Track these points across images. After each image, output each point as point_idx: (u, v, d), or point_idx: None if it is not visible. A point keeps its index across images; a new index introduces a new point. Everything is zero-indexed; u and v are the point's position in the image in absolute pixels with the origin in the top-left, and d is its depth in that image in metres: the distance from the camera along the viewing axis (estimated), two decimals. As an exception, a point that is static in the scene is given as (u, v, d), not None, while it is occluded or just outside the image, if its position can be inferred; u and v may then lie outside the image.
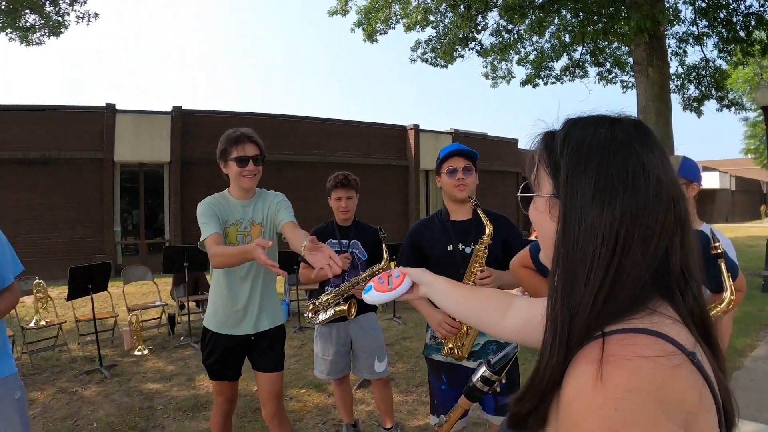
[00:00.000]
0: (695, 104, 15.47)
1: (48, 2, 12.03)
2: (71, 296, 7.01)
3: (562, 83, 15.91)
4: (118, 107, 18.46)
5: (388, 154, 23.35)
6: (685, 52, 14.80)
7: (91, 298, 7.03)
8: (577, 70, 15.73)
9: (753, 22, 13.23)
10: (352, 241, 4.20)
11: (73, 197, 17.69)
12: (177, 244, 17.58)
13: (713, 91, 15.37)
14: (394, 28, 14.04)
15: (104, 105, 18.25)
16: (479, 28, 14.26)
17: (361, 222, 4.37)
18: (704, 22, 13.96)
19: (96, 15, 12.71)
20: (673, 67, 14.56)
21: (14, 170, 16.28)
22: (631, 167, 0.90)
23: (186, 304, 8.64)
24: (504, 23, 14.26)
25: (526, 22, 13.73)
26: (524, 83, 15.71)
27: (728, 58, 14.97)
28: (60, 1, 12.25)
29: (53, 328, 7.57)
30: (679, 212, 0.91)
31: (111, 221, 18.29)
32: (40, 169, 17.27)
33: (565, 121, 1.02)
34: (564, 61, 15.54)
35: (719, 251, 2.31)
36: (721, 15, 13.36)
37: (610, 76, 15.95)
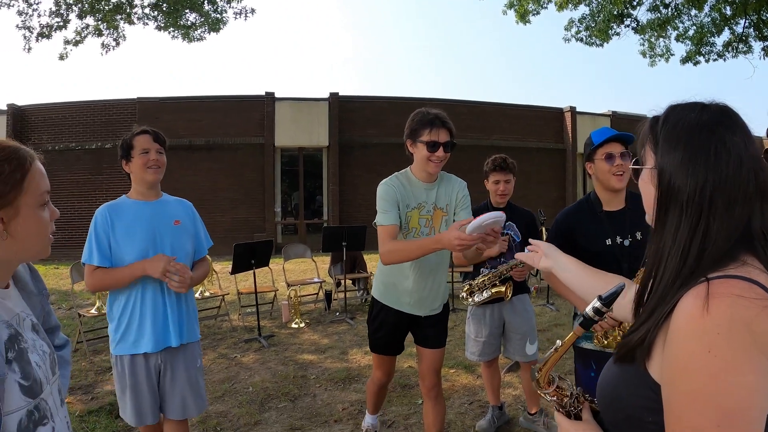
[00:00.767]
0: None
1: (206, 1, 12.68)
2: (235, 270, 7.38)
3: (725, 60, 14.54)
4: (277, 95, 19.34)
5: (544, 137, 22.56)
6: None
7: (254, 273, 7.37)
8: (741, 45, 14.30)
9: None
10: (507, 223, 4.07)
11: (236, 180, 18.84)
12: (335, 224, 18.09)
13: None
14: (546, 7, 13.47)
15: (264, 93, 19.21)
16: (634, 3, 13.39)
17: (516, 204, 4.29)
18: None
19: (253, 11, 13.18)
20: None
21: (180, 156, 17.41)
22: (713, 145, 1.07)
23: (343, 282, 8.84)
24: (661, -4, 13.30)
25: (684, -6, 12.74)
26: (684, 61, 14.55)
27: None
28: (218, 0, 12.88)
29: (216, 299, 8.02)
30: (761, 184, 1.06)
31: (272, 202, 19.22)
32: (205, 154, 18.59)
33: (667, 106, 1.21)
34: (726, 35, 14.21)
35: None
36: None
37: (777, 51, 14.42)
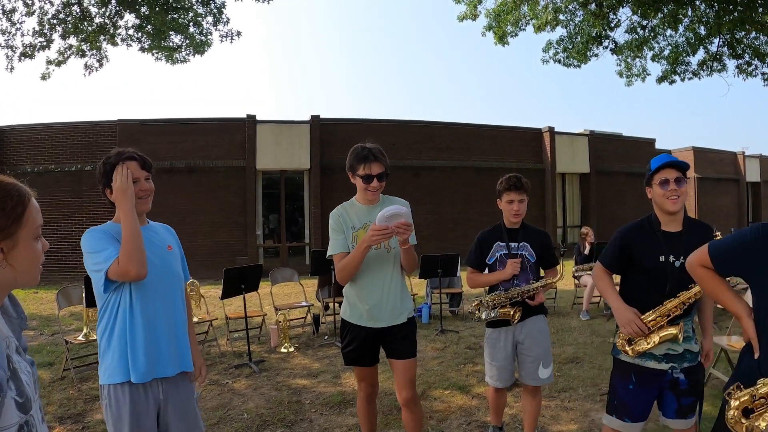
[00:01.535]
0: None
1: (192, 23, 12.64)
2: (225, 295, 7.27)
3: (699, 78, 14.76)
4: (258, 118, 19.35)
5: (523, 157, 22.77)
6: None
7: (243, 298, 7.27)
8: (715, 64, 14.54)
9: None
10: (521, 244, 4.03)
11: (218, 203, 18.76)
12: (317, 247, 18.08)
13: None
14: (524, 29, 13.65)
15: (245, 116, 19.19)
16: (612, 25, 13.60)
17: (529, 224, 4.20)
18: None
19: (239, 33, 13.13)
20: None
21: (162, 179, 17.16)
22: None
23: (331, 305, 8.78)
24: (637, 19, 13.51)
25: (659, 15, 12.95)
26: (660, 80, 14.76)
27: None
28: (204, 23, 12.82)
29: (203, 324, 7.89)
30: None
31: (254, 225, 19.12)
32: (186, 177, 18.47)
33: None
34: (700, 55, 14.48)
35: None
36: None
37: (750, 69, 14.65)
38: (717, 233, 3.09)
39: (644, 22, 13.53)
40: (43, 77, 12.04)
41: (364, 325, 3.63)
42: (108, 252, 2.59)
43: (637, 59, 14.76)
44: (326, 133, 19.89)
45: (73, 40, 11.88)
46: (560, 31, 13.88)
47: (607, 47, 14.03)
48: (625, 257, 3.18)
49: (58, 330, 7.52)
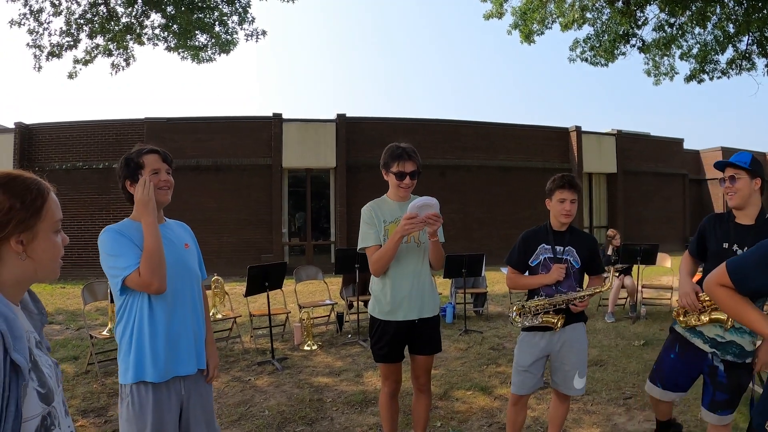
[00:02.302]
0: None
1: (217, 23, 12.71)
2: (249, 293, 7.28)
3: (728, 77, 14.51)
4: (284, 116, 19.42)
5: (550, 156, 22.54)
6: None
7: (267, 295, 7.27)
8: (744, 62, 14.27)
9: None
10: (567, 248, 3.81)
11: (243, 201, 18.86)
12: (342, 245, 18.13)
13: None
14: (550, 28, 13.52)
15: (272, 115, 19.29)
16: (639, 23, 13.40)
17: (576, 228, 3.99)
18: None
19: (264, 32, 13.16)
20: None
21: (188, 177, 17.40)
22: None
23: (355, 303, 8.76)
24: (665, 17, 13.30)
25: (687, 13, 12.73)
26: (688, 79, 14.48)
27: None
28: (229, 22, 12.89)
29: (228, 321, 7.91)
30: None
31: (279, 223, 19.21)
32: (213, 175, 18.60)
33: None
34: (729, 53, 14.19)
35: None
36: None
37: (780, 67, 14.37)
38: None
39: (672, 20, 13.34)
40: (70, 76, 12.19)
41: (393, 320, 3.71)
42: (127, 259, 2.59)
43: (665, 58, 14.55)
44: (352, 132, 19.93)
45: (99, 40, 12.01)
46: (587, 30, 13.68)
47: (634, 45, 13.86)
48: (701, 240, 3.52)
49: (84, 325, 7.59)
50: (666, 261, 10.33)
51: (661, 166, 24.41)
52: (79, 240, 16.15)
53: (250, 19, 12.83)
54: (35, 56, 11.75)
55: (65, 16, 11.62)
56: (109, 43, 12.08)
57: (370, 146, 19.31)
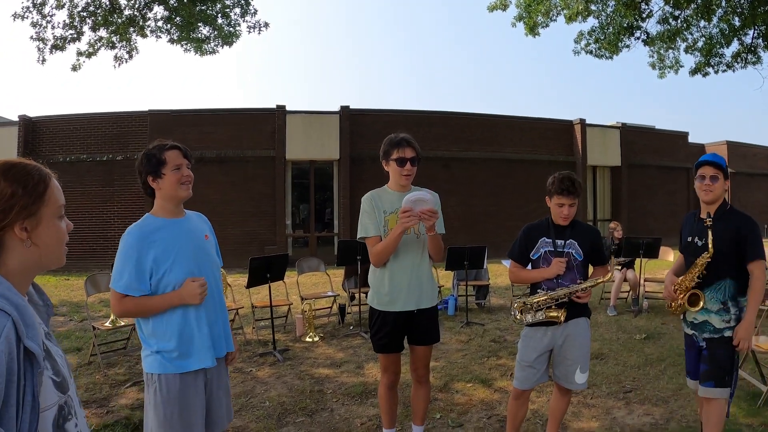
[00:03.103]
0: None
1: (220, 15, 12.72)
2: (251, 284, 7.33)
3: (734, 71, 14.44)
4: (288, 108, 19.42)
5: (554, 149, 22.45)
6: None
7: (269, 287, 7.30)
8: (750, 56, 14.19)
9: None
10: (568, 241, 3.81)
11: (247, 193, 18.89)
12: (346, 237, 18.18)
13: None
14: (555, 20, 13.46)
15: (275, 107, 19.29)
16: (644, 15, 13.34)
17: (579, 221, 3.97)
18: None
19: (266, 24, 13.19)
20: None
21: (192, 168, 17.31)
22: None
23: (357, 295, 8.78)
24: (670, 9, 13.23)
25: (692, 6, 12.66)
26: (693, 72, 14.40)
27: None
28: (231, 14, 12.93)
29: (230, 312, 7.93)
30: None
31: (283, 215, 19.24)
32: (216, 167, 18.56)
33: None
34: (735, 46, 14.11)
35: None
36: None
37: (786, 61, 14.32)
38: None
39: (677, 13, 13.28)
40: (74, 68, 12.24)
41: (392, 310, 3.77)
42: (120, 276, 2.71)
43: (670, 51, 14.49)
44: (356, 124, 19.90)
45: (103, 32, 12.07)
46: (592, 22, 13.59)
47: (639, 38, 13.81)
48: (679, 236, 3.95)
49: (87, 316, 7.63)
50: (669, 255, 10.31)
51: (666, 160, 24.31)
52: (82, 232, 16.21)
53: (252, 11, 12.85)
54: (39, 49, 11.82)
55: (68, 9, 11.67)
56: (112, 35, 12.12)
57: (373, 138, 19.24)
